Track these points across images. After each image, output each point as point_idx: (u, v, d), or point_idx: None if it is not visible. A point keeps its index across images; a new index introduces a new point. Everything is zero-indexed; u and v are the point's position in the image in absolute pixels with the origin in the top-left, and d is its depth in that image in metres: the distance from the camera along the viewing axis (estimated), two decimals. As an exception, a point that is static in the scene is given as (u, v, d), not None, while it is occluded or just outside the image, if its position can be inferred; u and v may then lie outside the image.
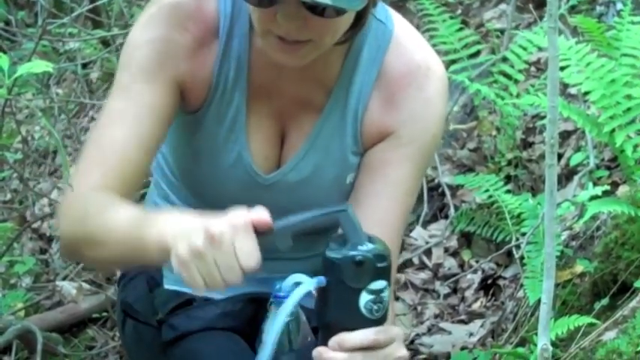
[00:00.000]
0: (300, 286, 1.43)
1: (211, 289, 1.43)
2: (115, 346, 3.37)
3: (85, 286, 3.53)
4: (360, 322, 1.42)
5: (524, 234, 2.93)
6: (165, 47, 1.71)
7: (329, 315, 1.44)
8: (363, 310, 1.41)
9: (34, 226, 4.09)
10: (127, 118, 1.70)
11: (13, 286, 3.56)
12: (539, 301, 2.54)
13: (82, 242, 1.67)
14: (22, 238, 3.90)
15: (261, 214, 1.45)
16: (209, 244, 1.41)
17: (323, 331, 1.45)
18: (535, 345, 2.24)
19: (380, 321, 1.43)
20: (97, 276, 3.56)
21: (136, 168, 1.71)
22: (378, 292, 1.41)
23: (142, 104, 1.70)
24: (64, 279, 3.68)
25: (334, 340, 1.43)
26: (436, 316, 3.22)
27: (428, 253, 3.40)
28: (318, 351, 1.44)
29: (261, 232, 1.42)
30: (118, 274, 3.00)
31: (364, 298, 1.41)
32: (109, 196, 1.65)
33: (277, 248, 1.43)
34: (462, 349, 2.98)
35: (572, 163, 3.08)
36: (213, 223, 1.43)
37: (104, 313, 3.48)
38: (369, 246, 1.42)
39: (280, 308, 1.43)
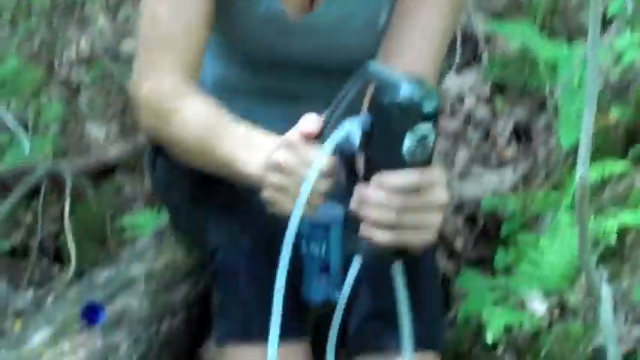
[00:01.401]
0: (345, 123, 1.41)
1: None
2: (144, 192, 3.39)
3: (114, 131, 3.53)
4: (403, 165, 1.38)
5: (558, 83, 2.90)
6: None
7: (372, 157, 1.41)
8: (406, 154, 1.37)
9: (62, 74, 4.08)
10: None
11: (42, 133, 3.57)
12: (571, 148, 2.53)
13: (164, 142, 1.81)
14: (49, 86, 3.89)
15: (308, 126, 1.48)
16: (286, 178, 1.48)
17: (367, 173, 1.43)
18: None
19: (423, 166, 1.39)
20: (125, 122, 3.56)
21: (201, 45, 1.75)
22: (422, 136, 1.37)
23: None
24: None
25: (375, 180, 1.40)
26: (467, 163, 3.22)
27: (460, 100, 3.38)
28: (359, 189, 1.43)
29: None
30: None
31: (408, 141, 1.37)
32: (184, 89, 1.72)
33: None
34: (493, 194, 2.98)
35: (610, 12, 3.02)
36: (281, 157, 1.49)
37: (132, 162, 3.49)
38: (415, 88, 1.37)
39: (326, 141, 1.44)
